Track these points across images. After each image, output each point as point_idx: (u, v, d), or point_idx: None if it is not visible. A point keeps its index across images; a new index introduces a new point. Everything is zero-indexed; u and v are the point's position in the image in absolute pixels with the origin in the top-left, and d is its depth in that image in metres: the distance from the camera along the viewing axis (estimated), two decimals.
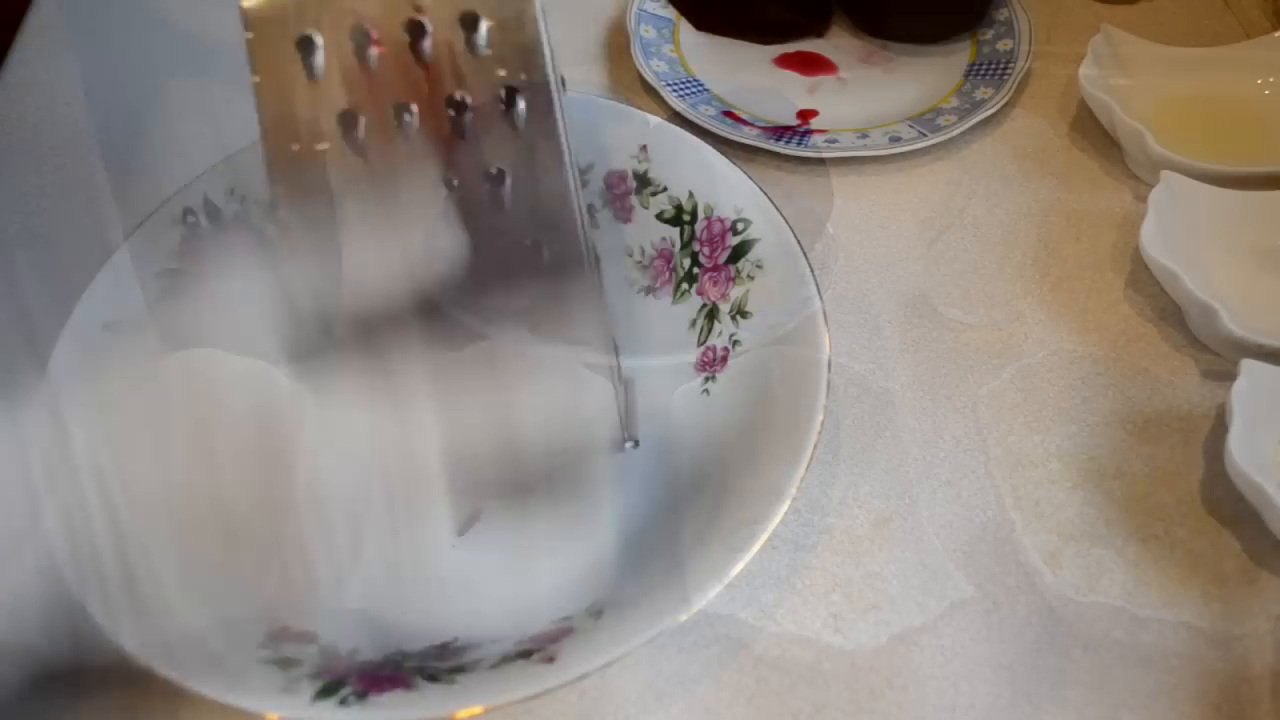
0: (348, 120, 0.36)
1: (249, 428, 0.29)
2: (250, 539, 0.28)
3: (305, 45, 0.35)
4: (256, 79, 0.35)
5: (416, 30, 0.35)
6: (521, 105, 0.36)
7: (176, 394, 0.30)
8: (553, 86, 0.36)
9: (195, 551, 0.29)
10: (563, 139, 0.36)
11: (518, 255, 0.37)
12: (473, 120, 0.36)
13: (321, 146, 0.36)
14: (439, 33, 0.35)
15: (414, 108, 0.36)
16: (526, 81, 0.36)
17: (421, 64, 0.36)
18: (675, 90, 0.55)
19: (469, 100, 0.36)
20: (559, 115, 0.36)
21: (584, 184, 0.38)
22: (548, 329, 0.37)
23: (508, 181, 0.36)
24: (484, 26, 0.35)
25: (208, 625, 0.29)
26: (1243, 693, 0.36)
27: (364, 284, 0.32)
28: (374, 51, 0.35)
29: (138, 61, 0.59)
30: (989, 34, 0.59)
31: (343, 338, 0.33)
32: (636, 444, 0.38)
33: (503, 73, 0.35)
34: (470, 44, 0.35)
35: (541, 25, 0.35)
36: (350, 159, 0.36)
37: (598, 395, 0.38)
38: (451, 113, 0.36)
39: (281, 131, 0.36)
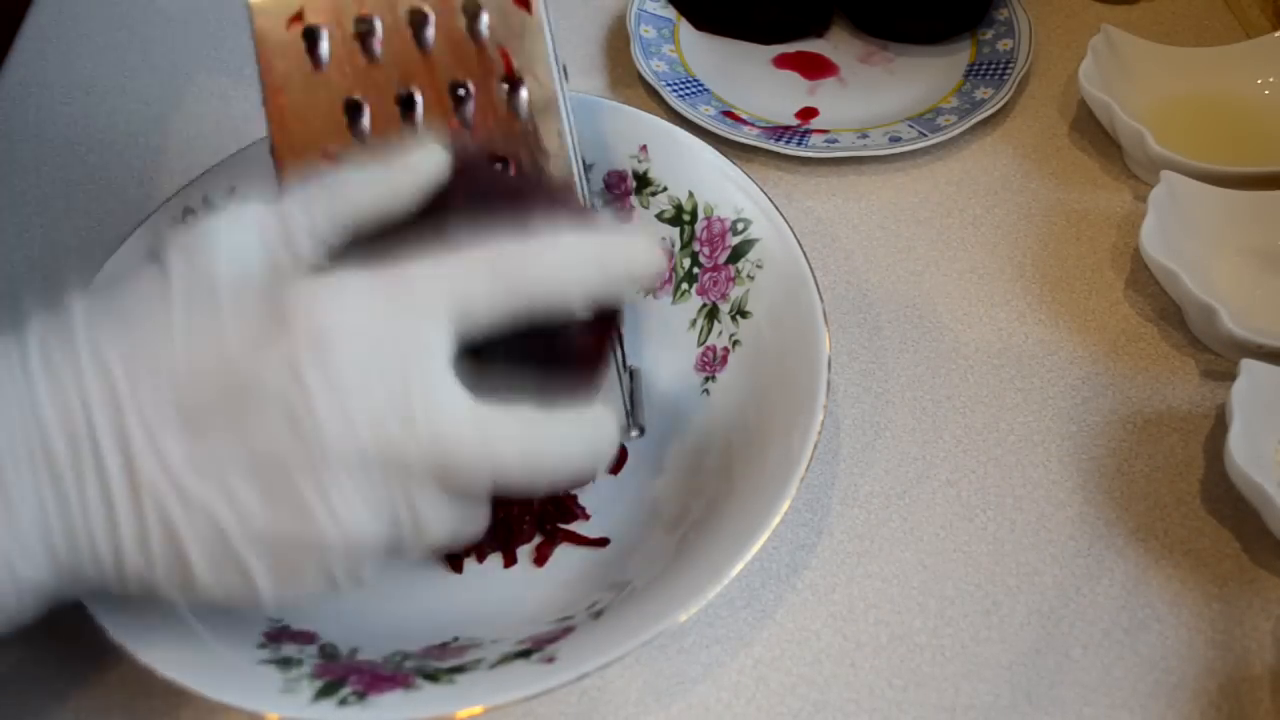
0: (353, 110, 0.36)
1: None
2: None
3: (310, 36, 0.35)
4: (262, 71, 0.36)
5: (419, 18, 0.35)
6: (524, 93, 0.36)
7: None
8: (556, 73, 0.36)
9: None
10: (567, 126, 0.36)
11: None
12: (476, 109, 0.36)
13: (328, 141, 0.36)
14: (442, 20, 0.36)
15: (418, 96, 0.36)
16: (529, 68, 0.36)
17: (424, 52, 0.36)
18: (675, 90, 0.55)
19: (472, 88, 0.36)
20: (562, 103, 0.36)
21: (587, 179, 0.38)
22: None
23: (511, 170, 0.37)
24: (486, 14, 0.36)
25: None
26: (1243, 693, 0.36)
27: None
28: (377, 41, 0.36)
29: (138, 61, 0.59)
30: (989, 34, 0.59)
31: None
32: (642, 432, 0.38)
33: (506, 59, 0.36)
34: (473, 31, 0.36)
35: (544, 11, 0.35)
36: (356, 150, 0.36)
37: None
38: (454, 101, 0.36)
39: (288, 123, 0.36)
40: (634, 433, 0.38)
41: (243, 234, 0.30)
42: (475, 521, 0.31)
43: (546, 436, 0.30)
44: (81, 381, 0.27)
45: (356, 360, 0.28)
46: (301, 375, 0.27)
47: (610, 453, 0.31)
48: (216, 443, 0.27)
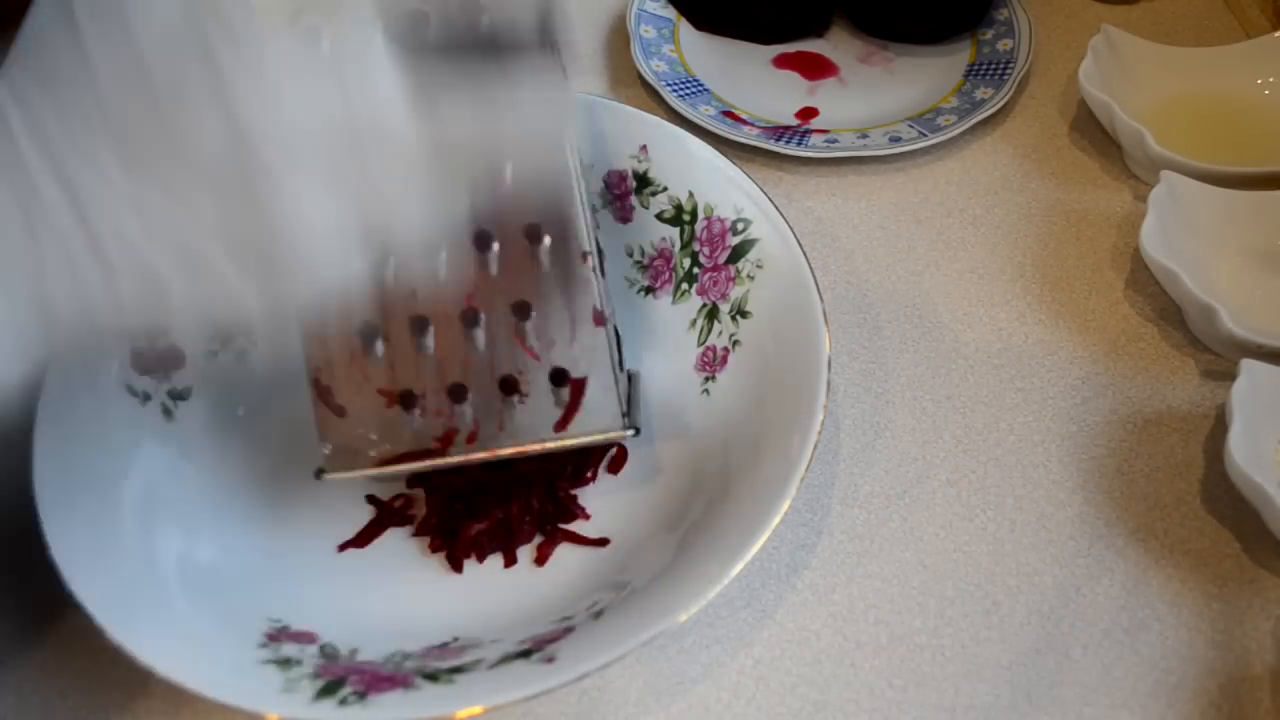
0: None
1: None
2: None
3: None
4: None
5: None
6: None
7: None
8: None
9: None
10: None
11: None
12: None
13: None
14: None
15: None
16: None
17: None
18: (675, 90, 0.55)
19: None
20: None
21: (585, 183, 0.38)
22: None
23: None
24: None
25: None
26: (1243, 693, 0.36)
27: None
28: None
29: None
30: (989, 34, 0.59)
31: None
32: (638, 431, 0.39)
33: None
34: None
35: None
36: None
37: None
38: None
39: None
40: (630, 432, 0.38)
41: None
42: (450, 210, 0.31)
43: (495, 97, 0.29)
44: (19, 149, 0.27)
45: (277, 49, 0.28)
46: (223, 71, 0.27)
47: (571, 112, 0.32)
48: (159, 162, 0.27)
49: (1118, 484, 0.42)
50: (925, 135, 0.53)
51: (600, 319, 0.38)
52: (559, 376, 0.38)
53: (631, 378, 0.42)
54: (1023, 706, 0.36)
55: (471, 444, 0.38)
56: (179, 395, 0.40)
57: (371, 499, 0.41)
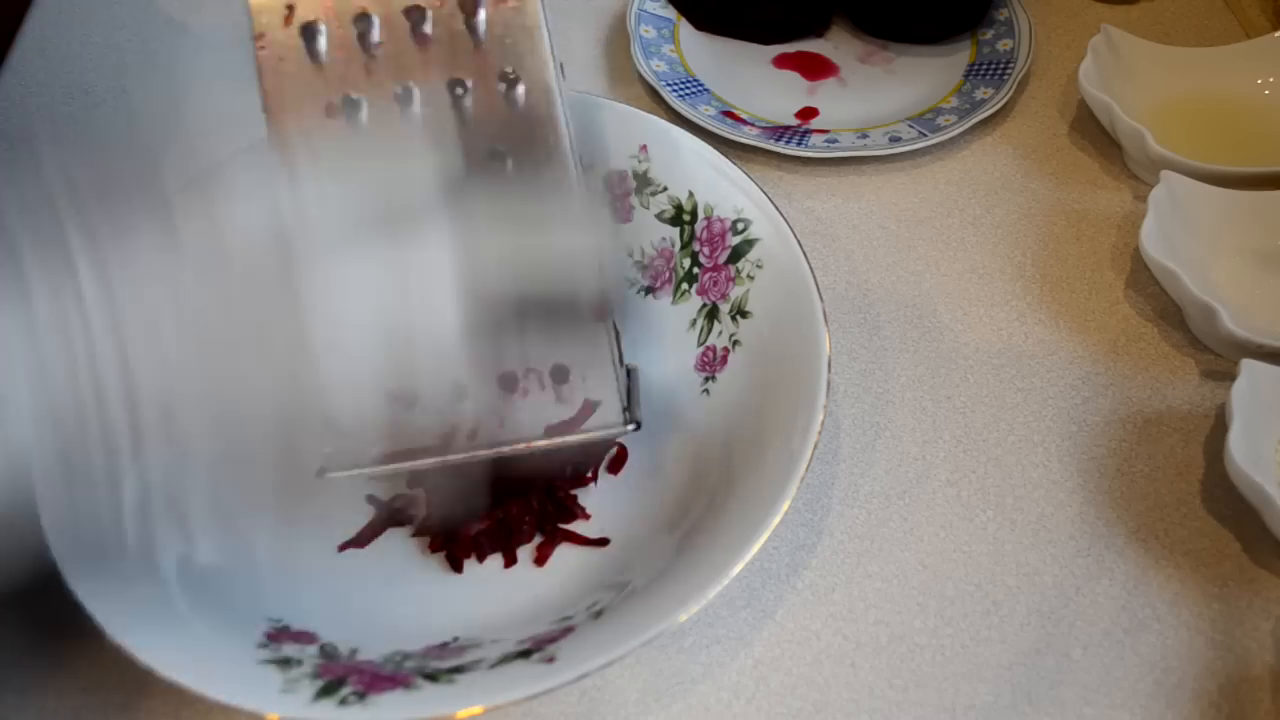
0: (351, 104, 0.36)
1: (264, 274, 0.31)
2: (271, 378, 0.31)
3: (308, 32, 0.36)
4: (260, 66, 0.36)
5: (417, 15, 0.36)
6: (521, 89, 0.36)
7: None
8: (553, 70, 0.36)
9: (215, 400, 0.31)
10: (564, 124, 0.36)
11: None
12: (474, 106, 0.36)
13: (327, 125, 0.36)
14: (439, 16, 0.36)
15: (416, 91, 0.36)
16: (526, 65, 0.36)
17: (422, 48, 0.36)
18: (675, 90, 0.55)
19: (470, 84, 0.36)
20: (559, 100, 0.37)
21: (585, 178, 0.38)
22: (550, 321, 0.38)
23: (508, 163, 0.37)
24: (483, 11, 0.36)
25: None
26: (1243, 693, 0.36)
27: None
28: (375, 37, 0.36)
29: (138, 62, 0.59)
30: (989, 34, 0.59)
31: None
32: (639, 426, 0.39)
33: (503, 57, 0.36)
34: (470, 27, 0.36)
35: (541, 11, 0.36)
36: (354, 141, 0.36)
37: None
38: (452, 98, 0.36)
39: (286, 117, 0.36)
40: (630, 426, 0.38)
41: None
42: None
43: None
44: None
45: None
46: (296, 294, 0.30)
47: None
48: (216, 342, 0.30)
49: (1118, 484, 0.42)
50: (925, 135, 0.53)
51: (600, 313, 0.38)
52: (560, 373, 0.38)
53: (631, 373, 0.42)
54: (1023, 707, 0.36)
55: (473, 441, 0.38)
56: None
57: (371, 499, 0.41)
